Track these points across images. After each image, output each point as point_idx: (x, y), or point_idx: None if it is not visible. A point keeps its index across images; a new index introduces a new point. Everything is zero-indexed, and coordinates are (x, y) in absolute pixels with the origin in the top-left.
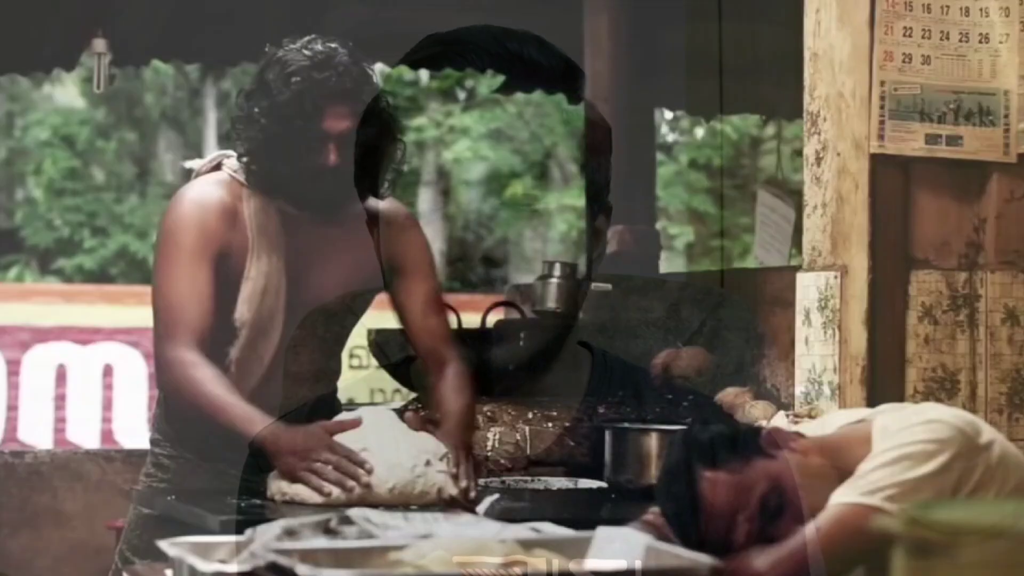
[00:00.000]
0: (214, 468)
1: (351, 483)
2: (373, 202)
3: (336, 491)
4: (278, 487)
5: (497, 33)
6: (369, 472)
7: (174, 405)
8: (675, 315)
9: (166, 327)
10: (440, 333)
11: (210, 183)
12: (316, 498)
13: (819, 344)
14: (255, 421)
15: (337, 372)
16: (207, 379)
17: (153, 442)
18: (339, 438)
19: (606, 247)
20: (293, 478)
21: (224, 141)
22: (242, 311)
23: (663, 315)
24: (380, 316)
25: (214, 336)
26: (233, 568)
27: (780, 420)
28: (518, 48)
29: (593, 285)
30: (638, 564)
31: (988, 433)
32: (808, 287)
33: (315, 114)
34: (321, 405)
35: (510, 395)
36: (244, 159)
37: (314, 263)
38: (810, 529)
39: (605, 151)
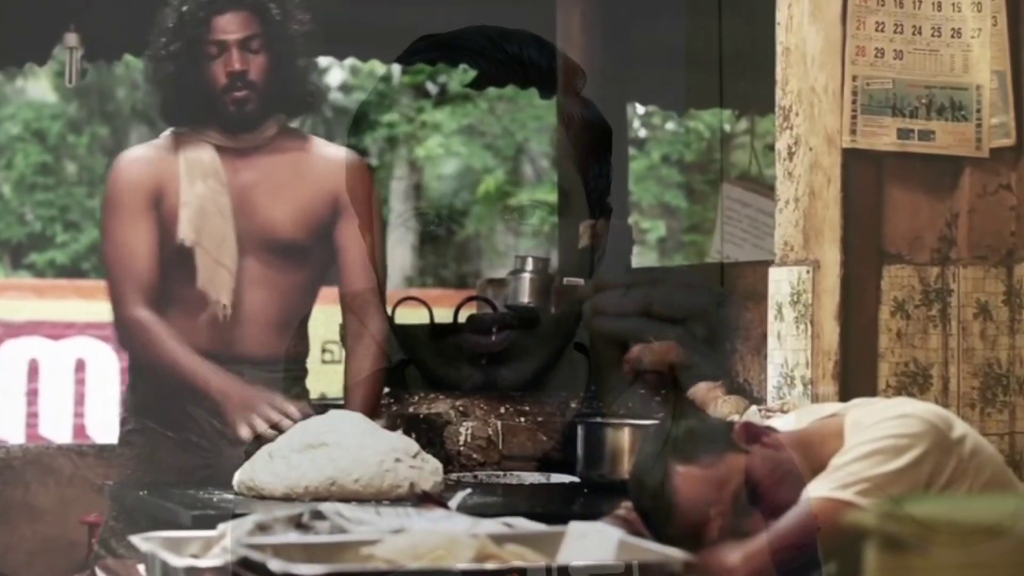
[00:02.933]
0: (179, 439)
1: (280, 419)
2: (324, 143)
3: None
4: (242, 481)
5: (493, 35)
6: (294, 420)
7: (134, 364)
8: None
9: (116, 288)
10: (370, 295)
11: (143, 144)
12: (279, 490)
13: (791, 338)
14: (209, 375)
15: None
16: (162, 338)
17: (123, 421)
18: (304, 431)
19: (605, 249)
20: (235, 426)
21: None
22: (186, 231)
23: None
24: None
25: (170, 263)
26: (205, 563)
27: (752, 415)
28: (517, 51)
29: (565, 280)
30: (611, 559)
31: (960, 428)
32: (780, 282)
33: (206, 20)
34: None
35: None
36: (164, 95)
37: (262, 193)
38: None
39: (606, 154)
